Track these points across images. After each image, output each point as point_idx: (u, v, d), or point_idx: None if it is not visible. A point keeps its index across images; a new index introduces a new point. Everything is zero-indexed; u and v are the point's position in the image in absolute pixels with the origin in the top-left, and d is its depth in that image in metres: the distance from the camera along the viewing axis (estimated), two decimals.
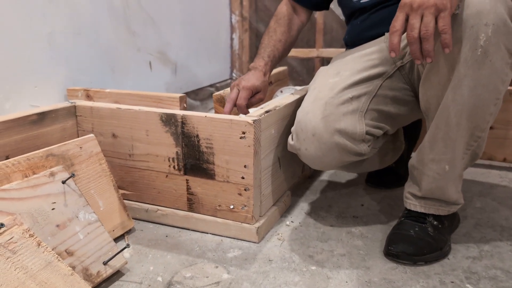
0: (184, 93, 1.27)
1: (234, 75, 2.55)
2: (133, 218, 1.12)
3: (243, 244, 1.04)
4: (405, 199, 1.04)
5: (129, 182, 1.15)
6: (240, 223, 1.05)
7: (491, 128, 1.43)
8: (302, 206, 1.24)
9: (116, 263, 0.89)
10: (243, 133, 0.98)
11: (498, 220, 1.15)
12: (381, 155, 1.21)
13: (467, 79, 0.85)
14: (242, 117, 1.01)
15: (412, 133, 1.38)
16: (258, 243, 1.04)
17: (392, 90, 1.06)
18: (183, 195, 1.10)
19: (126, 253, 0.99)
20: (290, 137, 1.07)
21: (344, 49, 1.28)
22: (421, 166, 0.98)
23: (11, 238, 0.70)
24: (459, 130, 0.90)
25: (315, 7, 1.29)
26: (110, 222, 1.02)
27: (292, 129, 1.06)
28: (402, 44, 1.01)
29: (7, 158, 1.00)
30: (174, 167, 1.09)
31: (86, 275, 0.83)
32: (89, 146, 1.01)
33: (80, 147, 0.99)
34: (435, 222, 1.00)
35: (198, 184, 1.07)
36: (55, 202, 0.85)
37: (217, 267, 0.95)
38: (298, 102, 1.14)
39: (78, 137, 1.16)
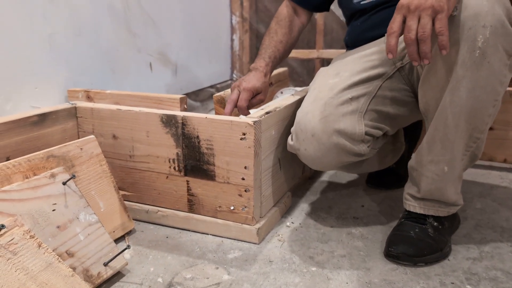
0: (184, 94, 1.27)
1: (234, 76, 2.55)
2: (133, 219, 1.12)
3: (244, 245, 1.04)
4: (405, 200, 1.04)
5: (130, 183, 1.15)
6: (240, 224, 1.05)
7: (491, 129, 1.44)
8: (303, 207, 1.24)
9: (116, 264, 0.89)
10: (244, 134, 0.98)
11: (498, 221, 1.15)
12: (381, 156, 1.21)
13: (465, 80, 0.85)
14: (242, 118, 1.01)
15: (413, 134, 1.38)
16: (258, 244, 1.04)
17: (392, 91, 1.06)
18: (184, 196, 1.10)
19: (127, 254, 0.99)
20: (289, 137, 1.07)
21: (344, 50, 1.28)
22: (420, 168, 0.98)
23: (12, 239, 0.70)
24: (458, 132, 0.90)
25: (315, 9, 1.29)
26: (111, 223, 1.02)
27: (292, 129, 1.06)
28: (401, 45, 1.01)
29: (7, 159, 1.00)
30: (174, 168, 1.09)
31: (87, 276, 0.83)
32: (90, 147, 1.01)
33: (81, 148, 0.99)
34: (435, 223, 1.00)
35: (199, 185, 1.07)
36: (55, 203, 0.85)
37: (217, 268, 0.95)
38: (298, 103, 1.14)
39: (78, 138, 1.17)
